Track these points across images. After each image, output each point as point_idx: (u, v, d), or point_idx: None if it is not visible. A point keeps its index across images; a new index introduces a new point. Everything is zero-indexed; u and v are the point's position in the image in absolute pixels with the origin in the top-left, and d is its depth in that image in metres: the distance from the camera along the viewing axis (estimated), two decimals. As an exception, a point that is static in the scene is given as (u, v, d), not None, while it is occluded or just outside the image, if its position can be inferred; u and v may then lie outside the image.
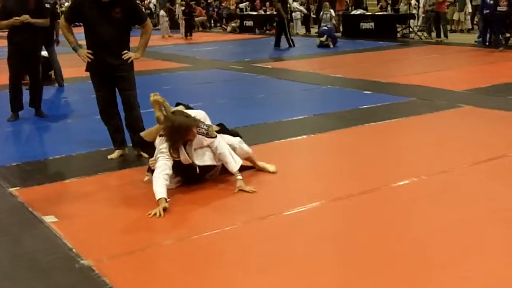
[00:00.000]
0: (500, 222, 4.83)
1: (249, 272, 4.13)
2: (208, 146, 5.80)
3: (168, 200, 5.33)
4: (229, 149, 5.85)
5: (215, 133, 5.83)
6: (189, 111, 5.89)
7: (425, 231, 4.71)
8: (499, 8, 17.18)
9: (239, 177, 5.74)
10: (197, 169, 5.77)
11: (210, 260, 4.37)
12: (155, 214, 5.15)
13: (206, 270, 4.22)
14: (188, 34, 27.47)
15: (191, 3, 29.44)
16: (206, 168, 5.86)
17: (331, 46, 20.16)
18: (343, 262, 4.26)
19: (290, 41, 20.83)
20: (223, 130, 6.19)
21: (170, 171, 5.56)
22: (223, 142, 5.86)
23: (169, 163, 5.58)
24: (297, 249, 4.48)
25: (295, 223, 5.01)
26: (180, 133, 5.52)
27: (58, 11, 26.36)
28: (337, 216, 5.20)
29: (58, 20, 11.60)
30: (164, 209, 5.22)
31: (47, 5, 12.18)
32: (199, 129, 5.65)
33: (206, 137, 5.72)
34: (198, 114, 5.91)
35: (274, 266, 4.20)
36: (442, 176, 6.02)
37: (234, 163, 5.78)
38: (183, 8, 28.02)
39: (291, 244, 4.58)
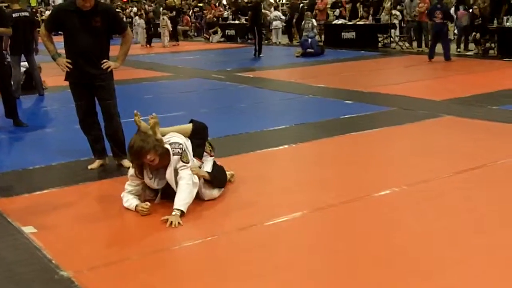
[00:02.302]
0: (480, 231, 4.85)
1: (230, 282, 4.11)
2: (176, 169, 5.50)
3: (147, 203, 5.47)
4: (190, 188, 5.41)
5: (188, 159, 5.53)
6: (174, 136, 5.65)
7: (406, 240, 4.72)
8: (436, 20, 17.27)
9: (175, 212, 5.23)
10: (159, 195, 5.72)
11: (190, 271, 4.34)
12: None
13: (187, 281, 4.19)
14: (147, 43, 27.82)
15: (150, 12, 29.59)
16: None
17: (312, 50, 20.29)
18: (324, 272, 4.24)
19: (256, 51, 20.82)
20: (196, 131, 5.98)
21: (136, 193, 5.66)
22: (190, 175, 5.45)
23: (134, 189, 5.64)
24: (279, 259, 4.47)
25: (276, 233, 4.99)
26: (133, 155, 5.40)
27: (39, 20, 26.35)
28: (319, 226, 5.19)
29: (38, 29, 11.55)
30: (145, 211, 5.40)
31: (26, 14, 12.19)
32: (173, 150, 5.46)
33: (180, 160, 5.47)
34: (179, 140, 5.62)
35: (255, 276, 4.18)
36: (423, 185, 6.04)
37: (181, 200, 5.31)
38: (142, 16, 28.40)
39: (272, 254, 4.56)
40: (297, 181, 6.50)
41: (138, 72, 16.85)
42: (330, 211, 5.43)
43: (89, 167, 7.01)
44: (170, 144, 5.50)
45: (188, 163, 5.49)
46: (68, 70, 6.70)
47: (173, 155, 5.45)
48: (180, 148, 5.48)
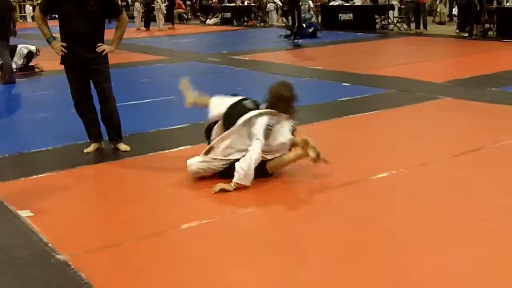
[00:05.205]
0: (477, 214, 4.83)
1: (226, 266, 4.09)
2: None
3: None
4: (255, 157, 5.56)
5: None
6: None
7: (403, 223, 4.70)
8: None
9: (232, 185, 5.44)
10: None
11: (186, 254, 4.31)
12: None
13: (182, 265, 4.16)
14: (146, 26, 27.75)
15: None
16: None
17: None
18: (320, 255, 4.22)
19: (293, 34, 19.29)
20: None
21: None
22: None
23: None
24: (276, 242, 4.45)
25: (272, 217, 4.99)
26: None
27: (34, 4, 26.07)
28: (315, 210, 5.16)
29: (14, 11, 11.48)
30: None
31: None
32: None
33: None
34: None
35: (252, 260, 4.16)
36: (420, 168, 6.01)
37: (241, 173, 5.47)
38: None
39: (269, 237, 4.56)
40: (293, 165, 6.45)
41: (134, 55, 16.78)
42: (327, 194, 5.40)
43: (85, 150, 6.97)
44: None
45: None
46: (63, 54, 6.65)
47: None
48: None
